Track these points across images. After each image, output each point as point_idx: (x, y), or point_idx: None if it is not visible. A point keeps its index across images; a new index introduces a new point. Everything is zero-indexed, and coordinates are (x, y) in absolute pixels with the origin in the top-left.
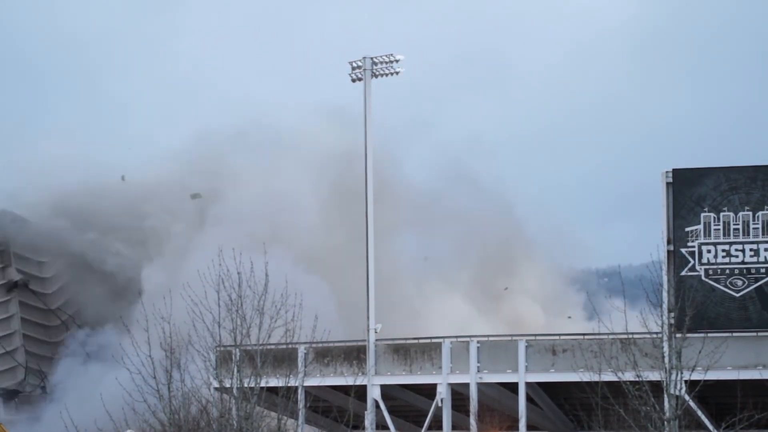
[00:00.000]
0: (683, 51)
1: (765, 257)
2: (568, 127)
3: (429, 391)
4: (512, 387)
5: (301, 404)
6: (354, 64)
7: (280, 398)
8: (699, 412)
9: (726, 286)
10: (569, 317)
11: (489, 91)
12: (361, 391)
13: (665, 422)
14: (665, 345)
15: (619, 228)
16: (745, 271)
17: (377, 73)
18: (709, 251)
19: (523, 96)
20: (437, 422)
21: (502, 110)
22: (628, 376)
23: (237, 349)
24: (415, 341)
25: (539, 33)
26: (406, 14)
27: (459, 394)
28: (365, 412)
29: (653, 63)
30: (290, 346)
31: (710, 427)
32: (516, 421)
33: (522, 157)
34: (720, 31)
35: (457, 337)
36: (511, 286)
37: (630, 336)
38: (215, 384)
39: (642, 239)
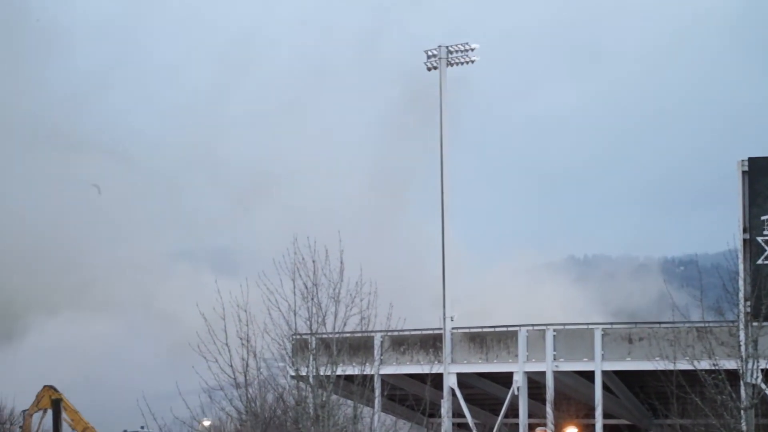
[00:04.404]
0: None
1: None
2: (653, 116)
3: (505, 379)
4: (588, 375)
5: (377, 392)
6: (429, 53)
7: (356, 386)
8: None
9: None
10: None
11: (575, 77)
12: (437, 380)
13: (741, 411)
14: (741, 333)
15: (700, 218)
16: None
17: (452, 61)
18: None
19: (608, 87)
20: (513, 410)
21: (587, 96)
22: (704, 364)
23: (313, 338)
24: (492, 330)
25: (629, 21)
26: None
27: (535, 382)
28: (441, 400)
29: (732, 55)
30: (366, 334)
31: None
32: (592, 409)
33: (600, 151)
34: None
35: (533, 325)
36: None
37: (706, 324)
38: (291, 372)
39: (721, 229)
